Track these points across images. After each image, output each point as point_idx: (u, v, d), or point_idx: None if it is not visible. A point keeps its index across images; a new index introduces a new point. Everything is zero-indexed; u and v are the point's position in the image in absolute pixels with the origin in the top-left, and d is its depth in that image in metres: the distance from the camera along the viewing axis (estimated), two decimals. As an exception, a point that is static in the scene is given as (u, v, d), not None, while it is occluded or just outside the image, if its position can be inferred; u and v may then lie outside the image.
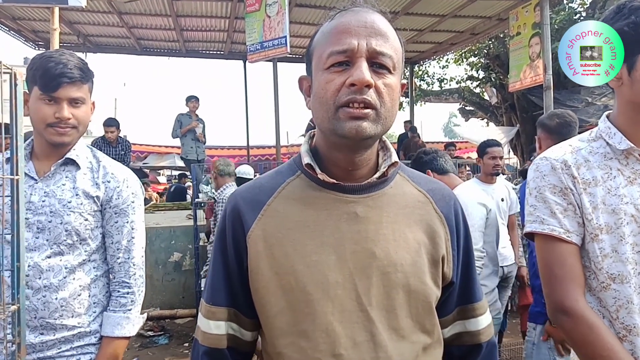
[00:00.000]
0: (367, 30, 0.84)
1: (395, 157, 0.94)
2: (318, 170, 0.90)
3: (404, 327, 0.87)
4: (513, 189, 4.07)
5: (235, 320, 0.94)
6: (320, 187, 0.91)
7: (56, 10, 4.26)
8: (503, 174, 4.44)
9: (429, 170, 2.63)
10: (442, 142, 14.06)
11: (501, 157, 3.67)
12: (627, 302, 1.06)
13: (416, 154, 2.89)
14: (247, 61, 8.05)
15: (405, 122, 10.14)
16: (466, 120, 15.69)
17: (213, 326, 0.93)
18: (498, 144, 3.76)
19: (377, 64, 0.84)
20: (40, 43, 8.75)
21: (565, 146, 1.18)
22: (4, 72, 0.98)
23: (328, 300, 0.85)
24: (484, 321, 1.01)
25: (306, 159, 0.92)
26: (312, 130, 1.00)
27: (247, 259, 0.91)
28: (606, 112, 1.20)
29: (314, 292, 0.85)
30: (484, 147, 3.67)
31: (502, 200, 3.59)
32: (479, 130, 13.39)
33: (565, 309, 1.08)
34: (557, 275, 1.10)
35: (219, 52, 9.83)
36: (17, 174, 1.02)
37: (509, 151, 12.79)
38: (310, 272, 0.86)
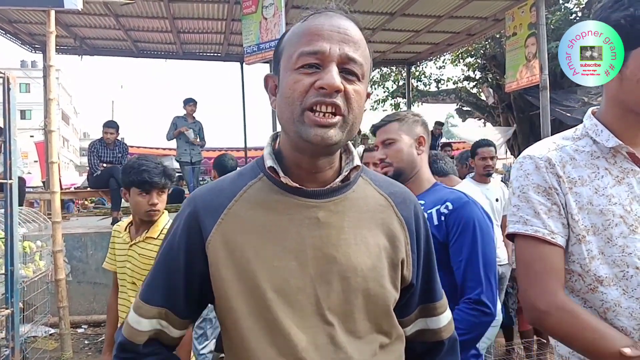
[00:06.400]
0: (340, 36, 0.83)
1: (357, 161, 0.94)
2: (281, 174, 0.89)
3: (360, 330, 0.89)
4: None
5: (165, 319, 0.93)
6: (283, 190, 0.90)
7: (52, 13, 4.26)
8: (500, 174, 4.42)
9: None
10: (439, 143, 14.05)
11: (492, 158, 3.65)
12: (615, 305, 1.03)
13: None
14: (244, 63, 8.04)
15: None
16: (463, 121, 15.72)
17: (139, 322, 0.92)
18: (489, 144, 3.73)
19: (347, 70, 0.83)
20: (37, 46, 8.72)
21: (549, 143, 1.13)
22: (-3, 77, 0.98)
23: (289, 305, 0.85)
24: (445, 319, 1.04)
25: (269, 162, 0.90)
26: (276, 132, 0.99)
27: (205, 265, 0.89)
28: (592, 109, 1.15)
29: (274, 297, 0.85)
30: (475, 148, 3.66)
31: (497, 200, 3.59)
32: (476, 130, 13.41)
33: (544, 305, 1.03)
34: (536, 272, 1.05)
35: (216, 54, 9.81)
36: (10, 178, 1.02)
37: (506, 151, 12.81)
38: (272, 278, 0.86)
